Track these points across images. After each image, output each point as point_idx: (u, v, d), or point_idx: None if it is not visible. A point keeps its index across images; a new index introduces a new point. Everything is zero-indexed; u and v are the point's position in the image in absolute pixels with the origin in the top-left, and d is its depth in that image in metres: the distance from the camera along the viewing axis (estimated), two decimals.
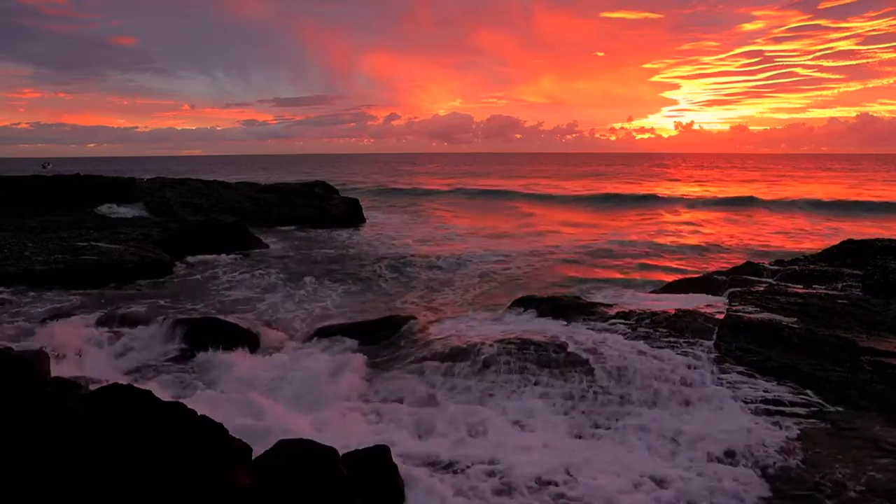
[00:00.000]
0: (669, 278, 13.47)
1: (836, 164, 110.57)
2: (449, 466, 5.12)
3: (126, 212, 22.50)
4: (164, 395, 4.88)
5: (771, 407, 5.97)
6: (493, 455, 5.26)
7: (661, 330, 8.11)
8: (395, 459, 4.57)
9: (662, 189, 45.51)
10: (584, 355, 7.34)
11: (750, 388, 6.34)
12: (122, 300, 11.93)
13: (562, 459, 5.16)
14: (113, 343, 8.42)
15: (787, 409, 5.93)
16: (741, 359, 6.95)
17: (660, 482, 4.84)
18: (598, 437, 5.72)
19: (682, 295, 10.23)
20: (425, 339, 8.78)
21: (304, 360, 7.80)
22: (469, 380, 6.96)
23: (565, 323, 8.74)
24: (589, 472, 4.97)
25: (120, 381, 6.56)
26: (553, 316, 9.12)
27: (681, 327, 8.08)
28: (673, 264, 17.89)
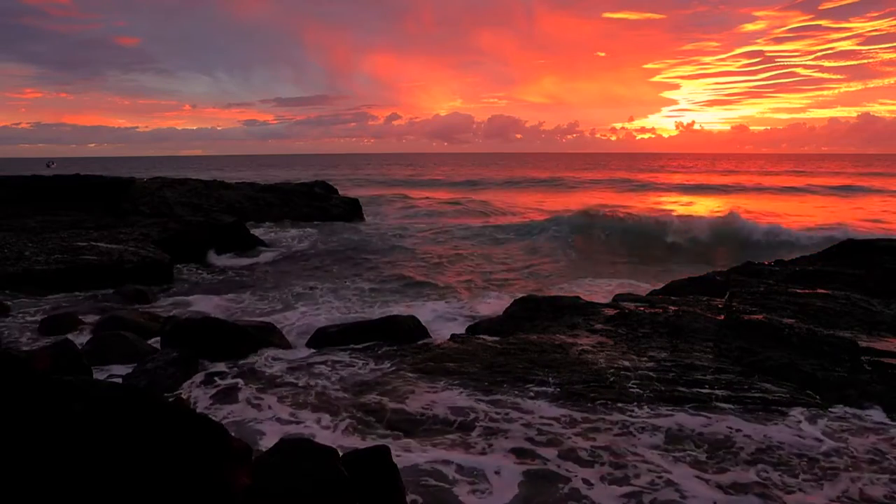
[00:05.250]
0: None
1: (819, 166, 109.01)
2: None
3: None
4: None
5: (771, 407, 5.97)
6: None
7: (661, 330, 8.12)
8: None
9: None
10: (589, 357, 7.35)
11: (749, 388, 6.34)
12: (122, 301, 11.93)
13: None
14: (114, 346, 8.38)
15: (787, 410, 5.92)
16: (741, 359, 6.95)
17: None
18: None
19: (682, 295, 10.22)
20: (424, 342, 8.77)
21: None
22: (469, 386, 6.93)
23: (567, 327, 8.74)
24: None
25: (120, 383, 6.57)
26: (553, 317, 9.12)
27: (681, 327, 8.09)
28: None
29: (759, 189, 49.80)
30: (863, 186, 50.46)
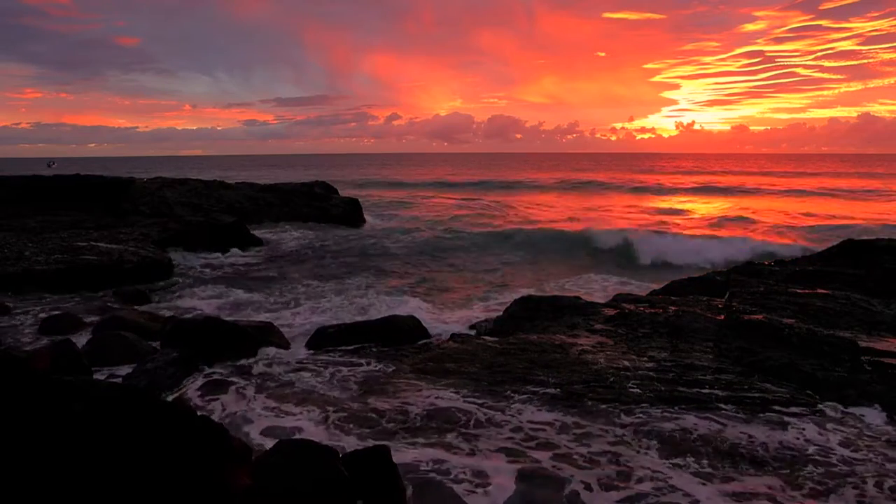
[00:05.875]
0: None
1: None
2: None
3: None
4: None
5: (771, 407, 5.97)
6: None
7: (661, 330, 8.11)
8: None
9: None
10: (589, 357, 7.35)
11: (749, 388, 6.34)
12: (120, 301, 11.94)
13: None
14: (114, 346, 8.37)
15: (787, 410, 5.92)
16: (741, 359, 6.95)
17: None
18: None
19: (682, 295, 10.22)
20: (424, 342, 8.77)
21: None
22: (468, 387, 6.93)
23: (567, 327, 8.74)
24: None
25: (120, 383, 6.56)
26: (553, 317, 9.12)
27: (681, 327, 8.09)
28: None
29: (775, 192, 47.91)
30: (871, 189, 49.27)
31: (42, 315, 10.45)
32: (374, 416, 6.11)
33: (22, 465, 3.28)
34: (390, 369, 7.47)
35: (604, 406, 6.10)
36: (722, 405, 6.02)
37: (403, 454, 5.19)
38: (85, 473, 3.33)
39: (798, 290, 8.64)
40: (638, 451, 5.28)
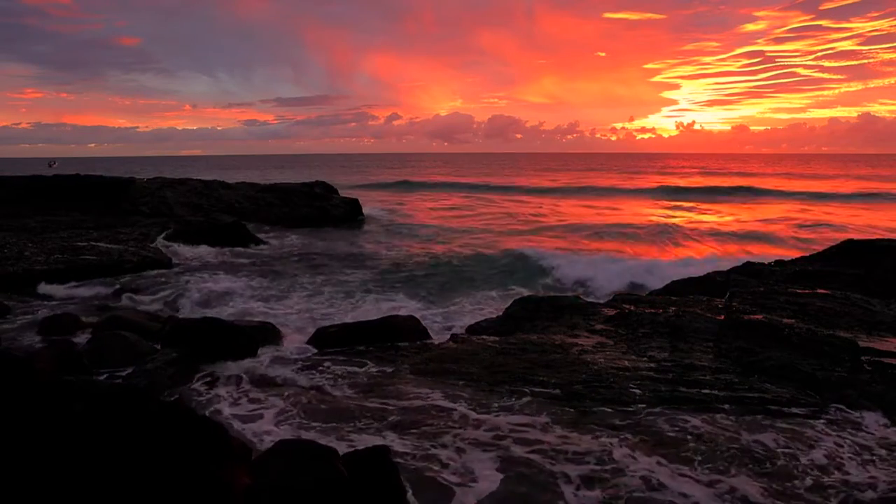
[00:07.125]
0: None
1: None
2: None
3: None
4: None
5: (771, 408, 5.97)
6: None
7: (661, 330, 8.11)
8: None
9: None
10: (589, 357, 7.35)
11: (749, 388, 6.34)
12: (120, 294, 11.97)
13: None
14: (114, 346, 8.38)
15: (787, 410, 5.92)
16: (741, 359, 6.95)
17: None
18: None
19: (682, 295, 10.22)
20: (424, 342, 8.77)
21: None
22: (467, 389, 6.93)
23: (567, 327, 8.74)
24: None
25: (120, 383, 6.57)
26: (553, 317, 9.12)
27: (681, 327, 8.09)
28: None
29: (816, 196, 44.30)
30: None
31: (42, 315, 10.45)
32: (376, 415, 6.11)
33: (24, 464, 3.28)
34: (389, 369, 7.47)
35: (603, 406, 6.10)
36: (721, 405, 6.01)
37: (403, 451, 5.21)
38: (86, 473, 3.33)
39: (798, 290, 8.65)
40: (636, 451, 5.28)
